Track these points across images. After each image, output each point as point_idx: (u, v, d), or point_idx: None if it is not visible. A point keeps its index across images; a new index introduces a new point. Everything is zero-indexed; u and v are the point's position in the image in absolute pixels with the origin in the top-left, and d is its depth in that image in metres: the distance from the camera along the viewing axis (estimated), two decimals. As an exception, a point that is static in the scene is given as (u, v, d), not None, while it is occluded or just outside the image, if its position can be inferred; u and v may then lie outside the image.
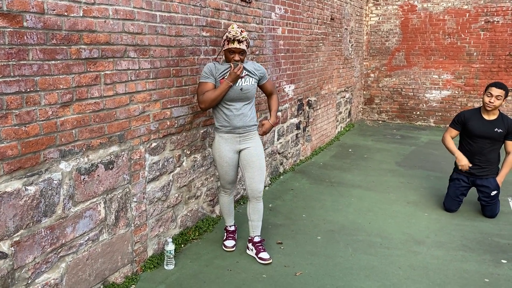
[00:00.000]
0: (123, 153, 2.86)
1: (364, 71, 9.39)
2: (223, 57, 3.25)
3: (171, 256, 3.19)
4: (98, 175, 2.68)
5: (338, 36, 7.43)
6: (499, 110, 4.15)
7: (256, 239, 3.44)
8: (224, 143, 3.21)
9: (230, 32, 3.05)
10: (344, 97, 8.21)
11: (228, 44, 3.08)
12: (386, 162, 6.24)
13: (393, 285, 3.06)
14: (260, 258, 3.34)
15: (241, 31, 3.07)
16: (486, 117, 4.15)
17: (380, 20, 9.08)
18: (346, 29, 7.87)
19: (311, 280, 3.11)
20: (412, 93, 8.99)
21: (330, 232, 3.92)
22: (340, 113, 8.09)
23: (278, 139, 5.36)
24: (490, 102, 4.05)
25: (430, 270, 3.27)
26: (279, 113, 5.31)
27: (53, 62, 2.31)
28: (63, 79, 2.38)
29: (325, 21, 6.69)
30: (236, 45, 3.05)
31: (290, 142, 5.76)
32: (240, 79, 3.13)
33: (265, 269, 3.25)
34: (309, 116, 6.37)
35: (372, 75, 9.34)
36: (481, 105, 4.26)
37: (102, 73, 2.63)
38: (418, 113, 9.00)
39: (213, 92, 3.07)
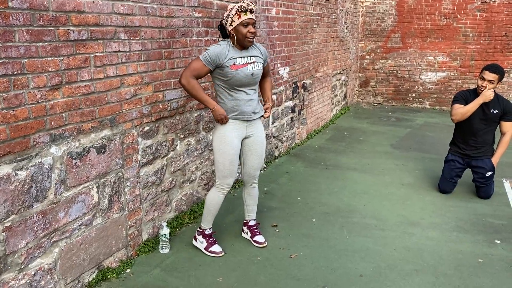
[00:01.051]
0: (115, 137, 2.82)
1: (359, 53, 9.32)
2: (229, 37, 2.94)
3: (166, 240, 3.18)
4: (90, 159, 2.64)
5: (333, 17, 7.34)
6: (494, 91, 4.12)
7: (251, 222, 3.43)
8: (231, 130, 3.00)
9: (243, 1, 2.84)
10: (340, 79, 8.15)
11: (240, 16, 2.81)
12: (381, 145, 6.24)
13: (387, 266, 3.07)
14: (255, 242, 3.34)
15: (250, 0, 2.91)
16: (481, 98, 4.13)
17: (376, 1, 8.97)
18: (341, 10, 7.77)
19: (306, 262, 3.12)
20: (407, 75, 8.95)
21: (325, 214, 3.92)
22: (336, 96, 8.05)
23: (273, 123, 5.33)
24: (482, 86, 4.03)
25: (425, 251, 3.28)
26: (274, 96, 5.27)
27: (40, 44, 2.25)
28: (52, 62, 2.32)
29: (320, 2, 6.59)
30: (249, 15, 2.85)
31: (285, 125, 5.73)
32: (251, 64, 2.95)
33: (260, 251, 3.25)
34: (304, 99, 6.33)
35: (367, 57, 9.28)
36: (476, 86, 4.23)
37: (92, 55, 2.57)
38: (414, 95, 8.98)
39: (198, 91, 2.87)
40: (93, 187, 2.70)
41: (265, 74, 3.24)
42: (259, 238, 3.36)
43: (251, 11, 2.86)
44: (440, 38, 8.48)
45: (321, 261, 3.13)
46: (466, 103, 4.17)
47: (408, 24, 8.72)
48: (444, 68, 8.57)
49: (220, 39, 3.03)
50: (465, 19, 8.21)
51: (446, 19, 8.36)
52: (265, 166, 5.19)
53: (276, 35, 5.14)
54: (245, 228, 3.46)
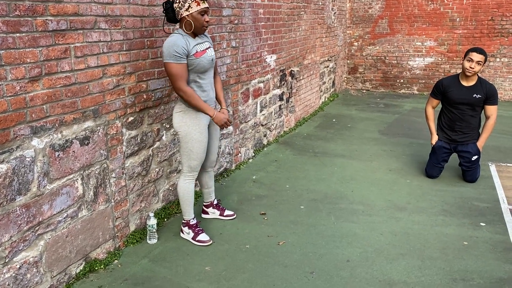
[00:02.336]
0: (98, 128, 2.79)
1: (347, 40, 9.30)
2: (181, 25, 2.88)
3: (154, 230, 3.18)
4: (73, 151, 2.62)
5: (320, 3, 7.30)
6: (477, 75, 4.14)
7: (215, 201, 3.59)
8: (203, 118, 3.01)
9: None
10: (328, 66, 8.14)
11: (199, 4, 2.80)
12: (370, 131, 6.26)
13: (374, 251, 3.10)
14: (227, 216, 3.56)
15: None
16: (465, 83, 4.15)
17: (363, -13, 8.93)
18: (328, -4, 7.73)
19: (294, 249, 3.14)
20: (395, 61, 8.96)
21: (313, 201, 3.94)
22: (324, 83, 8.04)
23: (261, 111, 5.31)
24: (470, 67, 4.04)
25: (411, 235, 3.32)
26: (261, 84, 5.25)
27: (17, 34, 2.21)
28: (30, 53, 2.28)
29: (306, -11, 6.54)
30: (206, 4, 2.83)
31: (273, 113, 5.72)
32: (208, 49, 2.97)
33: (248, 239, 3.27)
34: (292, 86, 6.31)
35: (355, 43, 9.26)
36: (460, 71, 4.25)
37: (72, 45, 2.53)
38: (402, 81, 9.00)
39: (198, 101, 2.86)
40: (78, 179, 2.68)
41: (214, 70, 3.18)
42: (229, 211, 3.62)
43: None
44: (428, 23, 8.48)
45: (309, 247, 3.15)
46: (443, 96, 4.23)
47: (395, 9, 8.70)
48: (432, 53, 8.59)
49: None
50: (452, 4, 8.22)
51: (433, 4, 8.36)
52: (253, 154, 5.19)
53: (262, 23, 5.10)
54: (210, 209, 3.58)
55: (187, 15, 2.82)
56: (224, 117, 3.00)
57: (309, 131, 6.33)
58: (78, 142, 2.64)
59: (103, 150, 2.85)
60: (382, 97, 8.76)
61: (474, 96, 4.11)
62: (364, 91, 9.38)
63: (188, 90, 2.85)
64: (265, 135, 5.55)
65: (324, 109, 7.71)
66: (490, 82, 4.27)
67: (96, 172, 2.82)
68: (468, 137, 4.24)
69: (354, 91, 9.37)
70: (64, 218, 2.61)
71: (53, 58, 2.42)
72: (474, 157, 4.21)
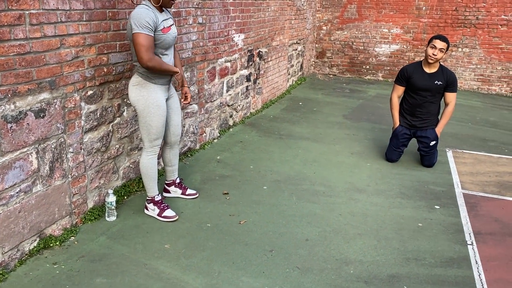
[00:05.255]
0: (55, 100, 2.68)
1: (316, 24, 9.31)
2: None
3: (113, 207, 3.12)
4: (27, 123, 2.51)
5: (291, -15, 7.24)
6: (439, 62, 4.25)
7: (178, 180, 3.55)
8: (160, 91, 2.97)
9: None
10: (296, 49, 8.14)
11: None
12: (334, 115, 6.34)
13: (333, 230, 3.17)
14: (189, 195, 3.54)
15: None
16: (427, 70, 4.25)
17: (334, -29, 8.92)
18: (299, -22, 7.68)
19: (254, 227, 3.16)
20: (362, 47, 9.05)
21: (276, 182, 3.97)
22: (292, 66, 8.05)
23: (227, 91, 5.27)
24: (433, 54, 4.12)
25: (369, 216, 3.41)
26: (228, 64, 5.19)
27: (-34, -4, 2.07)
28: (-20, 17, 2.15)
29: (277, -31, 6.47)
30: None
31: (240, 94, 5.68)
32: (172, 26, 2.95)
33: (210, 218, 3.26)
34: (260, 68, 6.28)
35: (324, 27, 9.29)
36: (423, 58, 4.34)
37: (27, 12, 2.40)
38: (368, 67, 9.13)
39: (164, 64, 2.84)
40: (32, 152, 2.57)
41: (174, 47, 3.18)
42: (191, 190, 3.58)
43: None
44: (395, 10, 8.59)
45: (270, 226, 3.18)
46: (407, 83, 4.32)
47: (364, -5, 8.75)
48: (398, 41, 8.73)
49: None
50: (419, -7, 8.34)
51: (401, -8, 8.46)
52: (218, 135, 5.16)
53: (230, 0, 5.01)
54: (172, 187, 3.54)
55: None
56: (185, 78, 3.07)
57: (275, 113, 6.34)
58: (33, 114, 2.53)
59: (60, 124, 2.75)
60: (348, 82, 8.87)
61: (435, 82, 4.21)
62: (331, 75, 9.46)
63: (156, 58, 2.81)
64: (231, 116, 5.51)
65: (291, 92, 7.74)
66: (451, 70, 4.37)
67: (53, 146, 2.72)
68: (427, 123, 4.36)
69: (321, 76, 9.43)
70: (17, 192, 2.51)
71: (5, 24, 2.29)
72: (432, 143, 4.35)
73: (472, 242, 3.08)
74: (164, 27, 2.85)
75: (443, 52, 4.11)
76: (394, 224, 3.31)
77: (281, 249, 2.89)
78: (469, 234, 3.20)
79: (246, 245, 2.92)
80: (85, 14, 2.82)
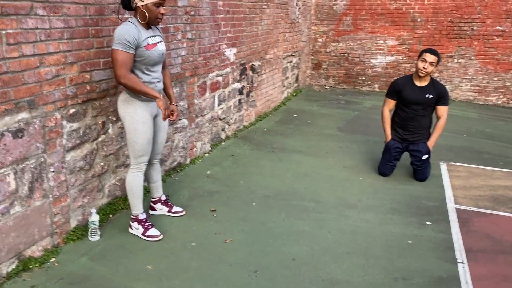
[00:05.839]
0: (34, 120, 2.65)
1: (312, 36, 9.31)
2: (136, 16, 2.81)
3: (96, 227, 3.06)
4: (5, 144, 2.47)
5: (284, -2, 7.25)
6: (430, 76, 4.21)
7: (163, 197, 3.50)
8: (146, 109, 2.94)
9: None
10: (291, 62, 8.12)
11: None
12: (329, 127, 6.29)
13: (321, 249, 3.10)
14: (175, 212, 3.48)
15: None
16: (418, 83, 4.21)
17: (329, -17, 8.94)
18: (293, -9, 7.69)
19: (240, 246, 3.10)
20: (358, 59, 9.04)
21: (265, 197, 3.91)
22: (287, 78, 8.03)
23: (219, 105, 5.23)
24: (424, 68, 4.09)
25: (358, 233, 3.34)
26: (220, 78, 5.16)
27: None
28: (-47, 38, 2.12)
29: (269, -18, 6.47)
30: None
31: (232, 107, 5.65)
32: (159, 43, 2.93)
33: (195, 236, 3.20)
34: (253, 81, 6.25)
35: (320, 39, 9.29)
36: (414, 72, 4.31)
37: (4, 32, 2.38)
38: (364, 78, 9.10)
39: (140, 85, 2.76)
40: (10, 173, 2.53)
41: (163, 64, 3.14)
42: (178, 208, 3.52)
43: None
44: (390, 22, 8.59)
45: (256, 245, 3.12)
46: (398, 96, 4.27)
47: (359, 7, 8.76)
48: (393, 52, 8.71)
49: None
50: (414, 4, 8.35)
51: (396, 3, 8.47)
52: (210, 149, 5.11)
53: (221, 15, 5.00)
54: (158, 205, 3.48)
55: (142, 6, 2.76)
56: (168, 102, 2.94)
57: (269, 126, 6.30)
58: (10, 135, 2.50)
59: (39, 143, 2.70)
60: (344, 93, 8.84)
61: (426, 96, 4.17)
62: (327, 87, 9.44)
63: (131, 76, 2.77)
64: (223, 129, 5.47)
65: (286, 104, 7.71)
66: (442, 83, 4.33)
67: (32, 166, 2.67)
68: (419, 137, 4.31)
69: (317, 87, 9.41)
70: (-6, 214, 2.46)
71: (-19, 44, 2.26)
72: (425, 156, 4.29)
73: (462, 261, 3.01)
74: (148, 44, 2.82)
75: (433, 65, 4.08)
76: (384, 241, 3.24)
77: (266, 270, 2.83)
78: (460, 251, 3.12)
79: (230, 266, 2.86)
80: (66, 32, 2.79)
